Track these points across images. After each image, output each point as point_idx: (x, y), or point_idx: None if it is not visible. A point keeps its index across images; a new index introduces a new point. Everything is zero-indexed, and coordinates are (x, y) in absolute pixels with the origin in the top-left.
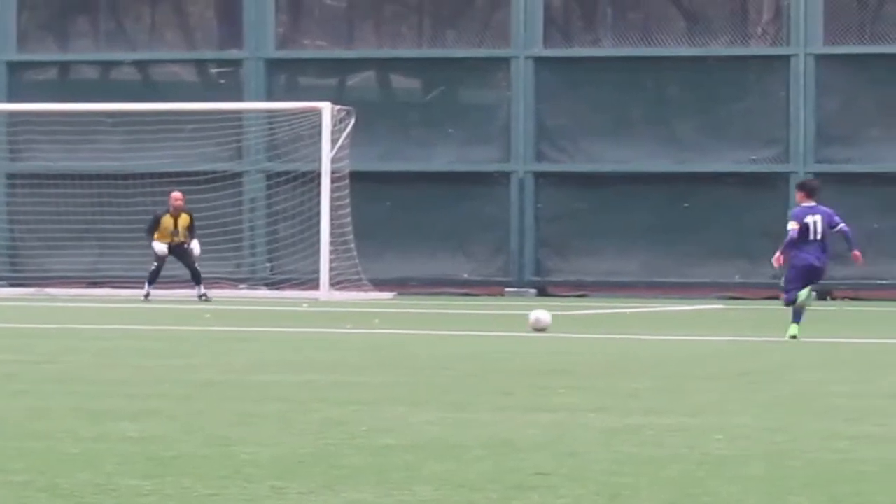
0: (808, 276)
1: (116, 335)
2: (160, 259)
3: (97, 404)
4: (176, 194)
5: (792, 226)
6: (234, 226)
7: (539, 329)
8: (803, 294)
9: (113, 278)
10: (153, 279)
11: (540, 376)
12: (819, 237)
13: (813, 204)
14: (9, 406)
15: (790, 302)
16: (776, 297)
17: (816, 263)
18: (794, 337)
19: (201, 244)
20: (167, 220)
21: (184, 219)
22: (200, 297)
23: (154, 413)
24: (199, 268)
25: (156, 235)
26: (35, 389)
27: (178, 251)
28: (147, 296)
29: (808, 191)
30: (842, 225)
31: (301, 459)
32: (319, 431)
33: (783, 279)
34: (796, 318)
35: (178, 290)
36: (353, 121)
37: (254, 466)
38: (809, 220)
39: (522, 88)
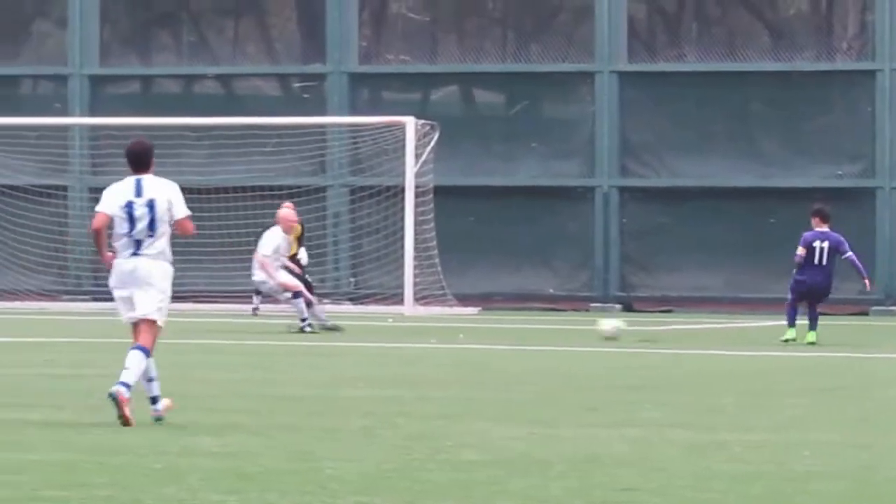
0: (804, 296)
1: (198, 350)
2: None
3: (180, 419)
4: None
5: (800, 251)
6: (317, 240)
7: (610, 337)
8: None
9: (196, 293)
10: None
11: (625, 392)
12: (824, 262)
13: (825, 229)
14: (89, 421)
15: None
16: (862, 313)
17: (812, 284)
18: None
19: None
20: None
21: (296, 230)
22: (254, 310)
23: (238, 428)
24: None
25: None
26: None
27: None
28: (255, 310)
29: (822, 216)
30: (849, 254)
31: (385, 475)
32: (404, 446)
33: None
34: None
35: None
36: (437, 135)
37: (338, 481)
38: (817, 244)
39: (606, 103)
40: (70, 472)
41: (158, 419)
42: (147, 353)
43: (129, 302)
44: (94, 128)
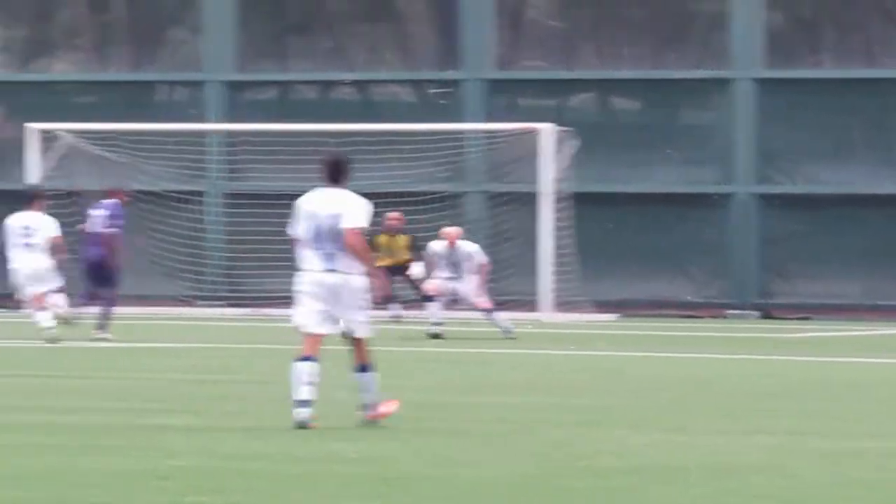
0: None
1: (331, 356)
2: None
3: (315, 425)
4: (392, 214)
5: None
6: None
7: None
8: None
9: None
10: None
11: (761, 399)
12: None
13: None
14: (227, 426)
15: None
16: None
17: None
18: None
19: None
20: (382, 240)
21: (401, 239)
22: (394, 317)
23: (375, 433)
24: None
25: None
26: (253, 410)
27: (398, 272)
28: (396, 317)
29: None
30: None
31: (523, 481)
32: (542, 453)
33: None
34: None
35: (409, 311)
36: (574, 142)
37: (477, 487)
38: None
39: (743, 110)
40: (210, 478)
41: (367, 422)
42: (368, 368)
43: (326, 315)
44: (230, 133)
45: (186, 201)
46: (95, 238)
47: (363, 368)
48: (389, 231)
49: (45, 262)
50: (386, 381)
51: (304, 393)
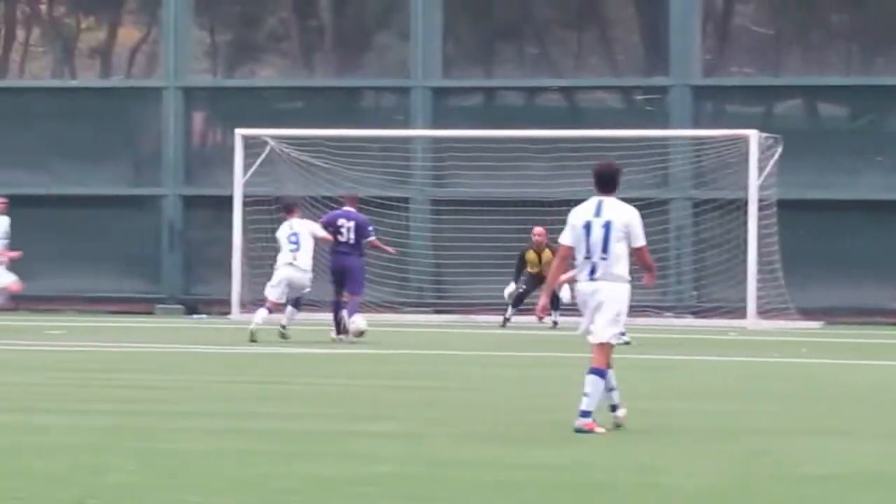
0: None
1: (533, 363)
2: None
3: (519, 431)
4: (538, 230)
5: None
6: (660, 253)
7: None
8: None
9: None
10: (517, 304)
11: None
12: None
13: None
14: (431, 433)
15: None
16: None
17: None
18: None
19: None
20: (530, 256)
21: (546, 254)
22: (555, 323)
23: (578, 440)
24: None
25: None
26: (453, 416)
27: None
28: (506, 321)
29: None
30: None
31: (726, 488)
32: (744, 461)
33: None
34: None
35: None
36: (780, 148)
37: (678, 495)
38: None
39: None
40: (414, 485)
41: (618, 426)
42: (603, 374)
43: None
44: (436, 139)
45: (392, 207)
46: (347, 245)
47: (596, 371)
48: (536, 246)
49: (307, 269)
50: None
51: (585, 403)
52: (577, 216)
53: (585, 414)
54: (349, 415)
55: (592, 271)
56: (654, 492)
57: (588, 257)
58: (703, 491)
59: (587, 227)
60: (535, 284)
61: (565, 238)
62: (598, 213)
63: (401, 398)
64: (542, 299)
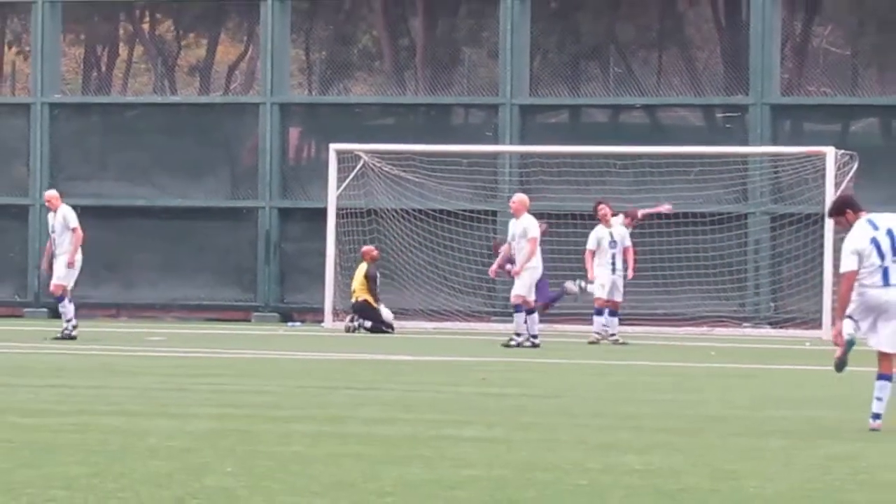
0: None
1: (624, 371)
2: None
3: (604, 437)
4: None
5: None
6: (738, 266)
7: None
8: None
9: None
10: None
11: None
12: None
13: None
14: (520, 438)
15: None
16: None
17: None
18: None
19: (704, 283)
20: None
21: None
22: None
23: (661, 446)
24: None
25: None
26: (543, 422)
27: None
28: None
29: None
30: None
31: (806, 494)
32: (823, 467)
33: None
34: None
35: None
36: (855, 165)
37: (760, 501)
38: None
39: None
40: (500, 488)
41: (874, 430)
42: (890, 378)
43: (874, 329)
44: (523, 155)
45: (480, 220)
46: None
47: (886, 377)
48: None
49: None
50: (679, 395)
51: (875, 406)
52: (857, 241)
53: (877, 416)
54: (438, 420)
55: (886, 276)
56: (737, 498)
57: (881, 264)
58: (785, 496)
59: (874, 241)
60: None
61: (851, 265)
62: (875, 227)
63: (491, 404)
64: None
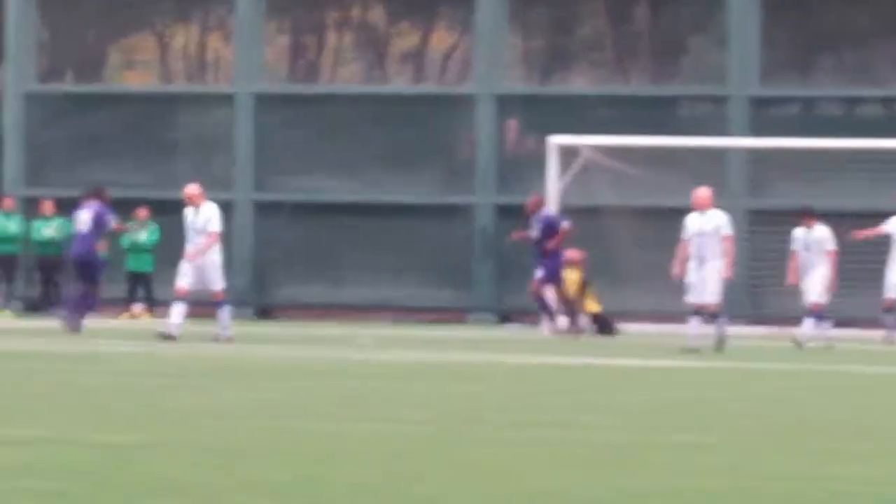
0: None
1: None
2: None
3: (828, 444)
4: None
5: None
6: None
7: None
8: None
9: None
10: None
11: None
12: None
13: None
14: (751, 447)
15: None
16: None
17: None
18: None
19: None
20: None
21: None
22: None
23: (875, 454)
24: None
25: None
26: (769, 428)
27: None
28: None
29: None
30: None
31: None
32: None
33: None
34: None
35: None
36: None
37: None
38: None
39: None
40: (721, 498)
41: None
42: None
43: None
44: (752, 150)
45: None
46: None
47: None
48: None
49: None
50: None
51: None
52: None
53: None
54: (658, 427)
55: None
56: None
57: None
58: None
59: None
60: None
61: None
62: None
63: (708, 411)
64: None
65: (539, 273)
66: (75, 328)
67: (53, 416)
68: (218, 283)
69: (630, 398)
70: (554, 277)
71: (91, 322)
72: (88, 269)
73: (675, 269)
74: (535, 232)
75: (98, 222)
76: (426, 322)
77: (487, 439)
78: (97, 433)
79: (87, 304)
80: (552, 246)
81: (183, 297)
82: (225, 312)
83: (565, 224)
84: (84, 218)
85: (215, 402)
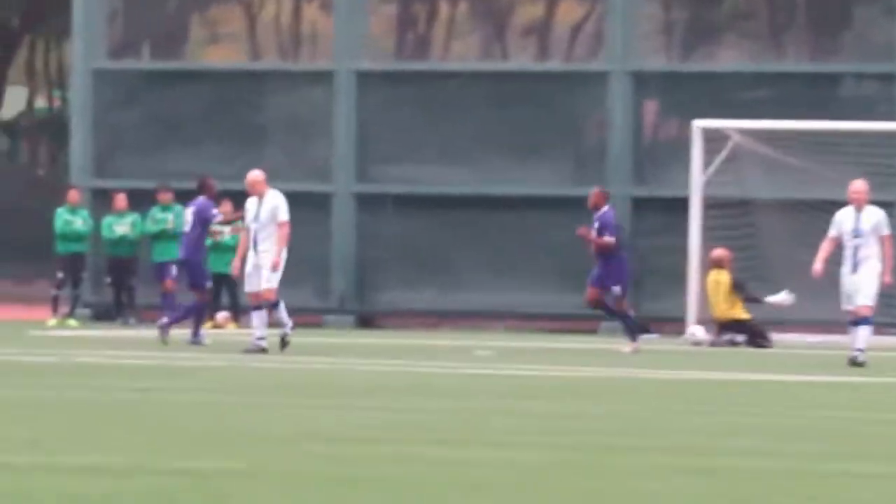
0: None
1: None
2: None
3: None
4: None
5: None
6: None
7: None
8: None
9: None
10: None
11: None
12: None
13: None
14: None
15: None
16: None
17: None
18: None
19: None
20: None
21: None
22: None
23: None
24: None
25: None
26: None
27: None
28: None
29: None
30: None
31: None
32: None
33: None
34: None
35: None
36: None
37: None
38: None
39: None
40: None
41: None
42: None
43: None
44: None
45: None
46: None
47: None
48: None
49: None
50: None
51: None
52: None
53: None
54: (825, 452)
55: None
56: None
57: None
58: None
59: None
60: None
61: None
62: None
63: (885, 433)
64: None
65: (616, 289)
66: (164, 337)
67: (132, 440)
68: (272, 279)
69: (790, 420)
70: (625, 289)
71: (176, 331)
72: (189, 274)
73: (816, 266)
74: (593, 232)
75: (200, 219)
76: (553, 331)
77: (623, 467)
78: (182, 460)
79: (194, 312)
80: (598, 250)
81: (261, 303)
82: (281, 311)
83: (608, 237)
84: (187, 217)
85: (316, 425)
